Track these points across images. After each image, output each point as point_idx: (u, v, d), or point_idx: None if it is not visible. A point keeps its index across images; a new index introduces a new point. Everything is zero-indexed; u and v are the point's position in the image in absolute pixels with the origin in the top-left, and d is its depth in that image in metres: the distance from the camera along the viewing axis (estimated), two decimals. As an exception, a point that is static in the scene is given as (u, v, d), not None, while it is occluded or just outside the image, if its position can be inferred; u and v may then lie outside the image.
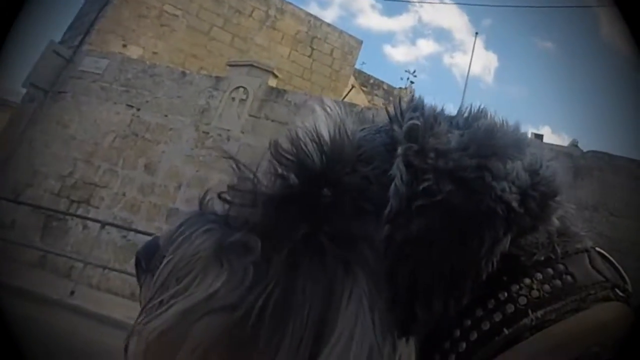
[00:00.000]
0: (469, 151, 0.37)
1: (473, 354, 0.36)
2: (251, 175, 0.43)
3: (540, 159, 0.39)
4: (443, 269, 0.35)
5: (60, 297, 5.93)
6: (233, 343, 0.37)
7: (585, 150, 7.18)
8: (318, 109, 0.43)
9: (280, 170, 0.42)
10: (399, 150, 0.39)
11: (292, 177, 0.41)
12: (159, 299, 0.39)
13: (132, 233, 7.48)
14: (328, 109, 0.43)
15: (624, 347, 0.33)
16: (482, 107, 0.43)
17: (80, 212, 8.03)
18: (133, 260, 0.45)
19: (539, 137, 8.95)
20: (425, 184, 0.36)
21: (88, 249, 6.98)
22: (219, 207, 0.43)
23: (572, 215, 0.41)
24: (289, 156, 0.41)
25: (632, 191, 6.44)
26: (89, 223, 7.67)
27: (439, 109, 0.43)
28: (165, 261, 0.40)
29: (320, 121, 0.42)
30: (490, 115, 0.42)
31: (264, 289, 0.37)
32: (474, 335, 0.36)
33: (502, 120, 0.41)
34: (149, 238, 0.47)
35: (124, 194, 8.11)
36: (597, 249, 0.40)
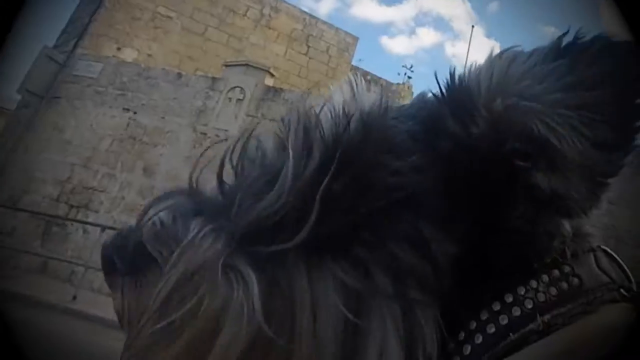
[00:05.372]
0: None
1: (478, 357, 0.35)
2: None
3: None
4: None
5: (62, 302, 5.91)
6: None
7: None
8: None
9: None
10: None
11: None
12: (167, 321, 0.34)
13: (132, 236, 7.44)
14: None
15: (628, 346, 0.33)
16: None
17: (79, 216, 8.00)
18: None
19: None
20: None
21: (89, 254, 6.95)
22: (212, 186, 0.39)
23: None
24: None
25: (627, 179, 6.45)
26: (89, 227, 7.64)
27: None
28: (167, 274, 0.35)
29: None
30: None
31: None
32: (479, 339, 0.36)
33: None
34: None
35: (123, 198, 8.08)
36: (602, 246, 0.40)
